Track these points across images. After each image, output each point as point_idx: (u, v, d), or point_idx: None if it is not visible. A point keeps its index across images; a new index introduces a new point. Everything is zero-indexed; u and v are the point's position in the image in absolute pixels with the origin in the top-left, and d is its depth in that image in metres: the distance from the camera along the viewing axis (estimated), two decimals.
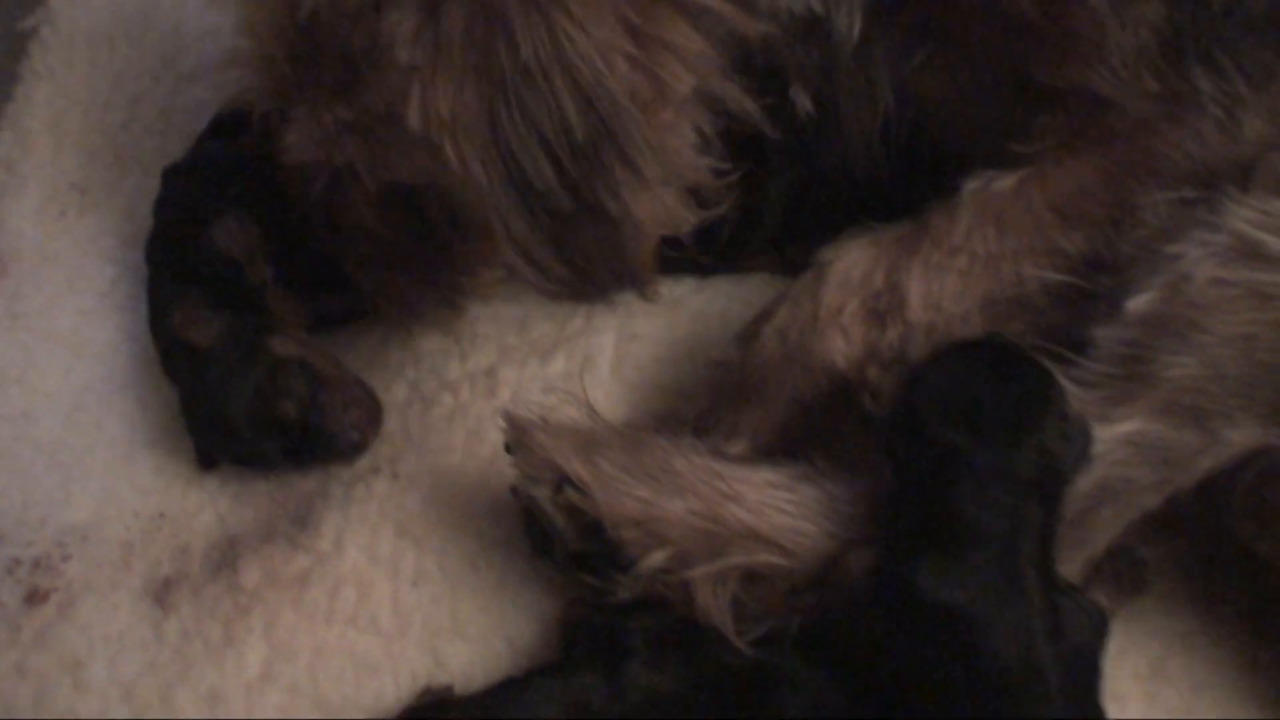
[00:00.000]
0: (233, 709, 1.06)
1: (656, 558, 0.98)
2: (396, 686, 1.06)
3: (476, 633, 1.08)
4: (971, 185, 1.04)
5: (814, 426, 1.06)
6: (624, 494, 0.99)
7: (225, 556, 1.12)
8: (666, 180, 1.00)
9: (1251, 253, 0.93)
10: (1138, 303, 0.95)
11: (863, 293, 1.04)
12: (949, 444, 0.92)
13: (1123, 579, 1.04)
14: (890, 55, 1.08)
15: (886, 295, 1.03)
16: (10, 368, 1.25)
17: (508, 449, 1.01)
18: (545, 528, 1.02)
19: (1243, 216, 0.93)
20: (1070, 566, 0.97)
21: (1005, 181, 1.03)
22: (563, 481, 0.99)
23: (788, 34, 1.06)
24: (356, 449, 1.14)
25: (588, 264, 1.00)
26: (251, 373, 1.11)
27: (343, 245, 1.11)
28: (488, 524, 1.11)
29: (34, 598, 1.12)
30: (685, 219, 1.04)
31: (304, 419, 1.11)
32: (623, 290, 1.06)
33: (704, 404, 1.10)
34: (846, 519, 0.99)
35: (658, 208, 1.00)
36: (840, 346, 1.03)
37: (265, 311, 1.16)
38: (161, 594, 1.11)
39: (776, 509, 0.99)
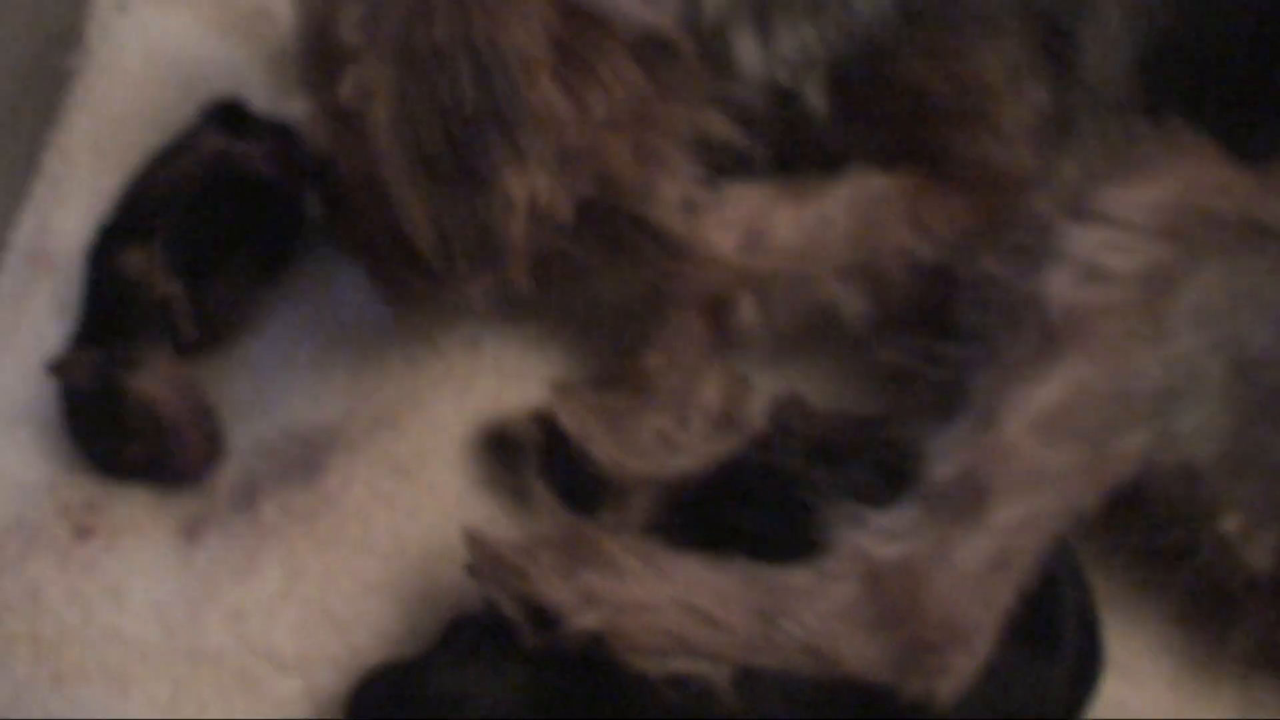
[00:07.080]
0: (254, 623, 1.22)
1: (588, 619, 1.05)
2: (396, 605, 1.22)
3: None
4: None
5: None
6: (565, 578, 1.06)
7: (246, 497, 1.29)
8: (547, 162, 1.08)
9: (1095, 274, 1.05)
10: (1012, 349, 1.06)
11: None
12: None
13: None
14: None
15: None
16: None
17: (470, 571, 1.08)
18: None
19: (1084, 241, 1.05)
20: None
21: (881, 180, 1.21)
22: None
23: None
24: (192, 480, 1.31)
25: (456, 231, 1.07)
26: (105, 420, 1.28)
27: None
28: (471, 463, 1.29)
29: (82, 533, 1.28)
30: (563, 202, 1.11)
31: (148, 463, 1.29)
32: (485, 271, 1.12)
33: None
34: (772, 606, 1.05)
35: (533, 186, 1.07)
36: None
37: (138, 344, 1.30)
38: (192, 530, 1.28)
39: (705, 587, 1.06)
